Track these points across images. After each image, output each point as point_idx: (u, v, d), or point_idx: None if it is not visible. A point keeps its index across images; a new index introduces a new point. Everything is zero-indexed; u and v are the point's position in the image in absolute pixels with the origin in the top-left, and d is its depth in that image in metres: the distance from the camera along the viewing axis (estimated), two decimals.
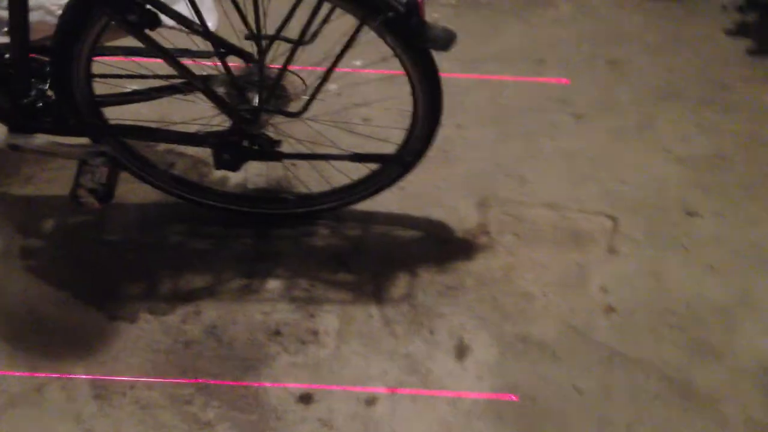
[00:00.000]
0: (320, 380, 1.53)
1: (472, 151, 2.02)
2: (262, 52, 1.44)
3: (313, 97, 1.49)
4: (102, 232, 1.77)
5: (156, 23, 1.36)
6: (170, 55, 1.39)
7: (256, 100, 1.50)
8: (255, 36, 1.43)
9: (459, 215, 1.86)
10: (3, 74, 1.47)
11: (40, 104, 1.50)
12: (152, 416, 1.45)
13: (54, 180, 1.86)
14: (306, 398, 1.50)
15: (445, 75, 2.19)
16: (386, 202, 1.83)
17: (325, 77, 1.46)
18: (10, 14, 1.36)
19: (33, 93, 1.49)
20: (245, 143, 1.54)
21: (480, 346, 1.60)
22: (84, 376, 1.50)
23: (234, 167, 1.57)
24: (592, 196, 1.91)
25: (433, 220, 1.85)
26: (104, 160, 1.49)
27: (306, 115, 1.52)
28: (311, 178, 1.85)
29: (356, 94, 2.11)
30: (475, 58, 2.31)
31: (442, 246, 1.80)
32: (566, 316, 1.65)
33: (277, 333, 1.60)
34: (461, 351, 1.59)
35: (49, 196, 1.83)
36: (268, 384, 1.51)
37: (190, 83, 1.46)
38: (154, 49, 1.38)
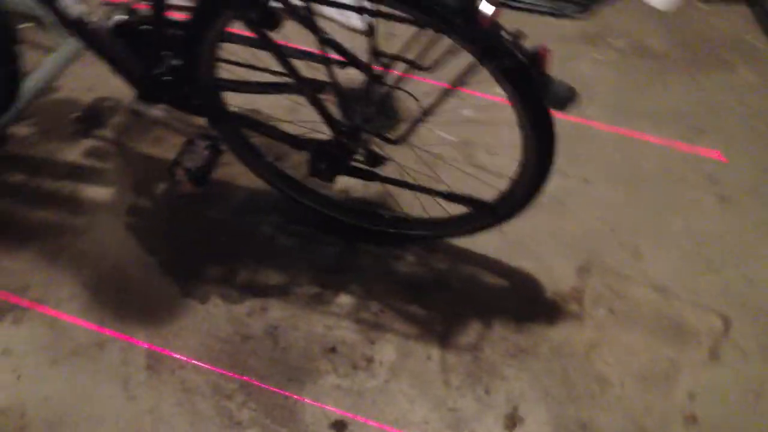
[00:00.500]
0: (359, 411, 1.49)
1: (591, 210, 1.88)
2: (375, 68, 1.40)
3: (411, 128, 1.44)
4: (205, 207, 1.82)
5: (276, 24, 1.36)
6: (283, 56, 1.39)
7: (369, 117, 1.47)
8: (374, 52, 1.40)
9: (555, 274, 1.74)
10: (140, 42, 1.55)
11: (167, 78, 1.56)
12: (191, 401, 1.48)
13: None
14: (340, 425, 1.46)
15: (586, 122, 2.08)
16: (482, 241, 1.75)
17: (427, 112, 1.41)
18: None
19: (162, 65, 1.55)
20: (342, 157, 1.51)
21: (534, 421, 1.49)
22: (143, 344, 1.56)
23: (327, 178, 1.55)
24: (711, 290, 1.72)
25: (526, 274, 1.74)
26: (209, 145, 1.53)
27: (403, 143, 1.47)
28: (410, 202, 1.80)
29: (487, 123, 2.03)
30: (627, 111, 2.15)
31: (527, 303, 1.69)
32: (639, 415, 1.50)
33: (333, 350, 1.58)
34: (512, 421, 1.49)
35: (170, 161, 1.90)
36: (308, 400, 1.50)
37: (298, 86, 1.46)
38: (268, 47, 1.38)
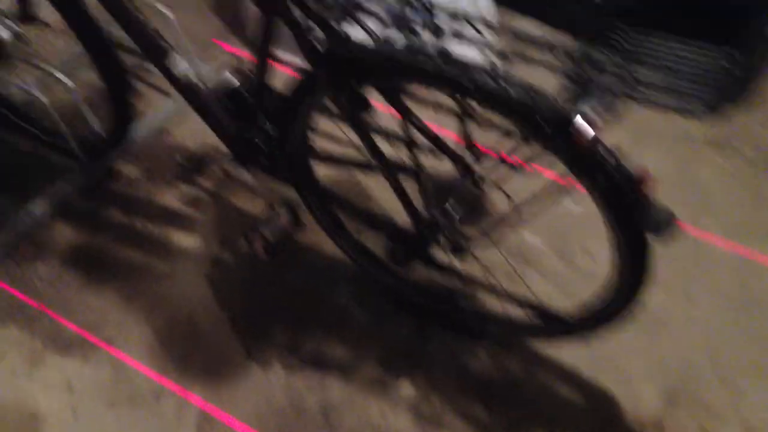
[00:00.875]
0: None
1: (690, 332, 1.71)
2: (463, 161, 1.35)
3: (497, 229, 1.37)
4: (284, 269, 1.81)
5: (365, 108, 1.34)
6: (367, 136, 1.36)
7: (451, 210, 1.42)
8: (466, 142, 1.35)
9: (638, 398, 1.59)
10: (238, 105, 1.57)
11: (260, 142, 1.57)
12: None
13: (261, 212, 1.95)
14: None
15: (699, 233, 1.92)
16: (563, 348, 1.64)
17: (519, 214, 1.33)
18: (258, 50, 1.42)
19: (257, 130, 1.56)
20: (418, 246, 1.46)
21: None
22: (198, 401, 1.54)
23: (401, 263, 1.50)
24: None
25: (605, 392, 1.60)
26: (288, 215, 1.52)
27: (486, 242, 1.40)
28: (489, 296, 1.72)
29: (590, 218, 1.92)
30: (747, 228, 1.96)
31: (601, 425, 1.55)
32: None
33: None
34: None
35: (249, 225, 1.90)
36: None
37: (380, 167, 1.42)
38: (354, 127, 1.36)
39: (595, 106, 1.11)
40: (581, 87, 1.12)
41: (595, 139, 1.13)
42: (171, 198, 1.96)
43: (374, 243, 1.73)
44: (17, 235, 1.83)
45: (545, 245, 1.85)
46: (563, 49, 1.14)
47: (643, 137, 2.13)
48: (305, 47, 1.30)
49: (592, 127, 1.10)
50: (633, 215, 1.18)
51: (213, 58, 2.43)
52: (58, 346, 1.64)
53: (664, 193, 2.01)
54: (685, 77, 2.22)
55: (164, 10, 2.04)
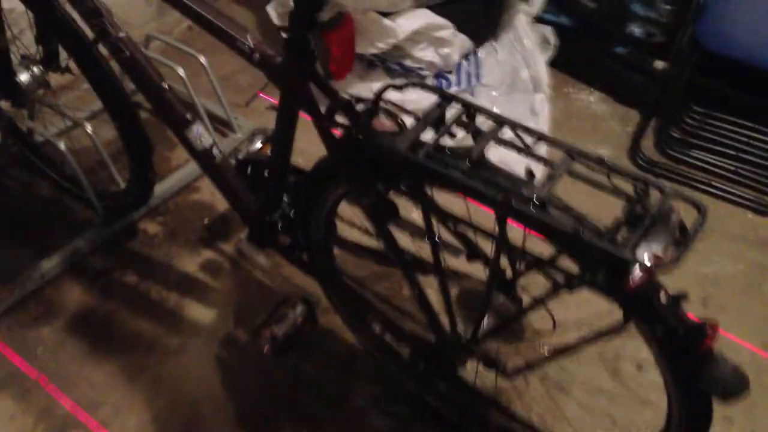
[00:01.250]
0: None
1: None
2: (499, 272, 1.16)
3: (536, 365, 1.19)
4: (301, 357, 1.64)
5: (392, 216, 1.18)
6: (392, 241, 1.20)
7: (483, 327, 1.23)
8: (506, 252, 1.17)
9: None
10: (260, 182, 1.43)
11: (280, 224, 1.42)
12: None
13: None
14: None
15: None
16: None
17: (563, 351, 1.14)
18: (277, 129, 1.28)
19: (277, 211, 1.41)
20: (442, 365, 1.28)
21: None
22: None
23: (422, 382, 1.33)
24: None
25: None
26: (302, 312, 1.37)
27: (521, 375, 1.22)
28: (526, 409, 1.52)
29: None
30: None
31: None
32: None
33: None
34: None
35: (260, 319, 1.64)
36: None
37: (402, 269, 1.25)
38: (376, 227, 1.20)
39: (655, 242, 0.92)
40: (641, 218, 0.93)
41: (654, 284, 0.95)
42: (191, 263, 1.83)
43: (398, 342, 1.56)
44: (26, 294, 1.73)
45: (591, 365, 1.64)
46: (623, 171, 0.95)
47: (710, 237, 1.90)
48: (324, 135, 1.16)
49: (651, 271, 0.90)
50: (694, 374, 0.98)
51: (255, 112, 2.31)
52: (49, 425, 1.51)
53: (731, 308, 1.80)
54: (762, 168, 2.00)
55: (201, 59, 1.95)
